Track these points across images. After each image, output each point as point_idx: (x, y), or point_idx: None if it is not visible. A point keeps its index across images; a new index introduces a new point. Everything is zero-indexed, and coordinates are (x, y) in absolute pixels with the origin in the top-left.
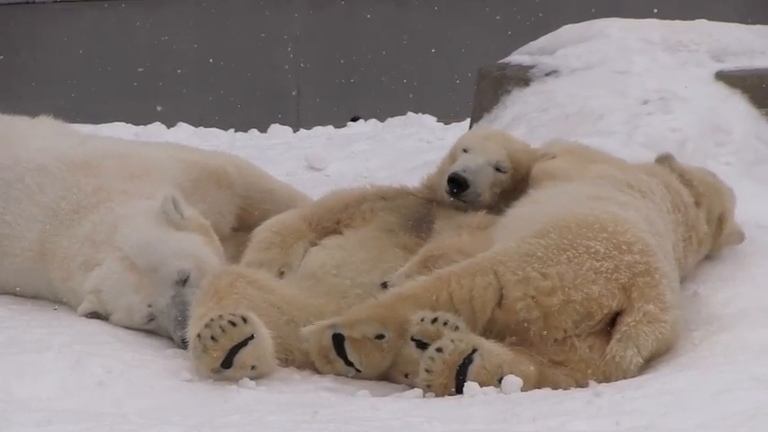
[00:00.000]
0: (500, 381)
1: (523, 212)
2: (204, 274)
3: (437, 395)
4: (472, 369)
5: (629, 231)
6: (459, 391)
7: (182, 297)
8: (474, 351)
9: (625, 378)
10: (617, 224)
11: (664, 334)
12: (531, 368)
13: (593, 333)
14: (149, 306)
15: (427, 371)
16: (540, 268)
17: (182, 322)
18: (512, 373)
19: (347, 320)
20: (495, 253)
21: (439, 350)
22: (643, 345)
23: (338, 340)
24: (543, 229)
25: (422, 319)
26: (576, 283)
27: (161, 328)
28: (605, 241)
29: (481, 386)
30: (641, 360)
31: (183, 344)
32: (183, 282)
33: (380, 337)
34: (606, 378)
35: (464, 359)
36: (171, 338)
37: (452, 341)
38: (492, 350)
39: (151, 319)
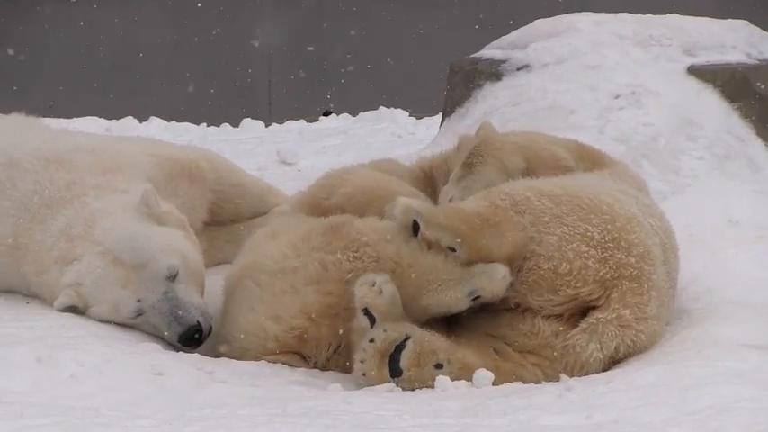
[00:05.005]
0: (438, 366)
1: (549, 181)
2: (189, 270)
3: (372, 383)
4: (405, 354)
5: (637, 234)
6: (395, 375)
7: (173, 293)
8: (407, 338)
9: (584, 370)
10: (629, 222)
11: (635, 342)
12: (473, 357)
13: (560, 319)
14: (138, 301)
15: (361, 361)
16: (538, 231)
17: (175, 318)
18: (448, 359)
19: (430, 217)
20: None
21: (372, 341)
22: (606, 343)
23: (416, 226)
24: (558, 197)
25: None
26: (550, 255)
27: (146, 324)
28: (606, 233)
29: (417, 370)
30: (602, 357)
31: (179, 339)
32: (173, 277)
33: (452, 249)
34: (566, 368)
35: (396, 346)
36: (151, 333)
37: (385, 331)
38: (425, 337)
39: (139, 314)
